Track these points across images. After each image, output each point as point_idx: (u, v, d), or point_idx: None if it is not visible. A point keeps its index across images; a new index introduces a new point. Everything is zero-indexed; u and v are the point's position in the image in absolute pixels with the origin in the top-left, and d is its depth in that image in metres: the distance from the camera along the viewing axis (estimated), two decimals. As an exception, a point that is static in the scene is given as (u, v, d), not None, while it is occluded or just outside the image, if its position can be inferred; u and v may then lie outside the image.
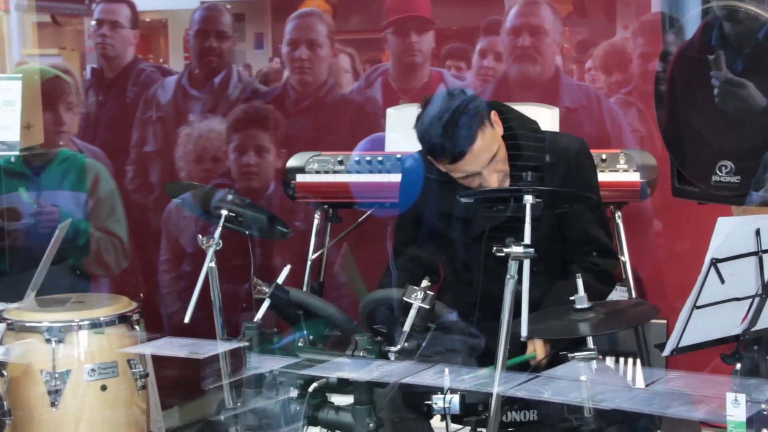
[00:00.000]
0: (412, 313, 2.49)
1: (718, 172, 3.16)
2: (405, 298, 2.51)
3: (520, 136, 3.00)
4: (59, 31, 5.51)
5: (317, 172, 4.10)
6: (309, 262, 4.24)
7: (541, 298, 2.94)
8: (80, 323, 3.29)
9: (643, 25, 4.56)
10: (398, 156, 3.95)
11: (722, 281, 2.21)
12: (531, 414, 2.77)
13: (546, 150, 3.00)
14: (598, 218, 3.09)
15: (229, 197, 2.94)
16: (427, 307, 2.49)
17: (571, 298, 2.58)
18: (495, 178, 2.91)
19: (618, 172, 3.82)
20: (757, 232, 2.22)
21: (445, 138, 2.80)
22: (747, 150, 3.07)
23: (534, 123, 3.11)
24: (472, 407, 2.57)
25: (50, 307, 3.42)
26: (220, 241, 2.90)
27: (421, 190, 3.12)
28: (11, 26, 5.16)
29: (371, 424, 2.40)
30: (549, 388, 2.35)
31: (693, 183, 3.33)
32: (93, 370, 3.28)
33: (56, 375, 3.22)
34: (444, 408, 2.49)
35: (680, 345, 2.26)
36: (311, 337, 2.78)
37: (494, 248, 2.39)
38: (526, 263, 2.36)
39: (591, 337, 2.54)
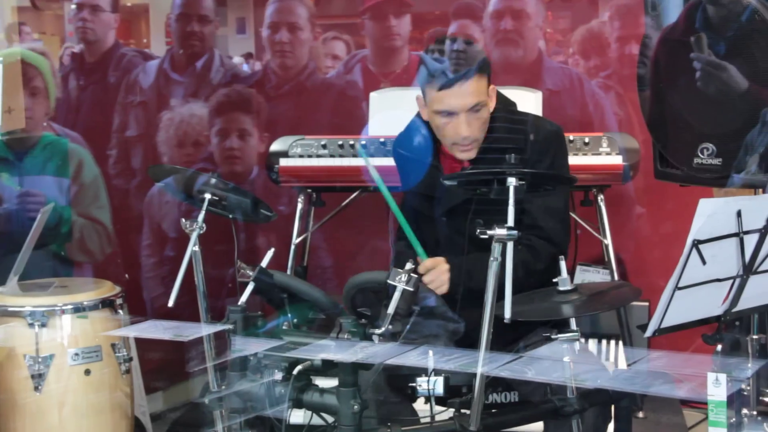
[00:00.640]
0: (396, 295, 2.49)
1: (700, 154, 3.18)
2: (389, 281, 2.51)
3: (499, 117, 3.01)
4: (39, 16, 5.47)
5: (300, 156, 4.10)
6: (293, 246, 4.25)
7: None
8: (63, 307, 3.27)
9: (619, 9, 4.59)
10: (381, 140, 3.95)
11: (704, 262, 2.22)
12: (512, 395, 2.78)
13: (523, 132, 3.01)
14: (552, 203, 2.98)
15: (213, 181, 2.94)
16: (411, 289, 2.50)
17: (554, 280, 2.58)
18: (467, 129, 2.92)
19: (601, 156, 3.84)
20: (738, 214, 2.24)
21: (453, 60, 2.89)
22: (728, 132, 3.09)
23: (513, 104, 3.11)
24: (456, 389, 2.59)
25: (33, 291, 3.40)
26: (204, 225, 2.89)
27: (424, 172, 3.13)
28: (-10, 10, 5.12)
29: (356, 406, 2.40)
30: (532, 368, 2.37)
31: (675, 165, 3.35)
32: (77, 354, 3.26)
33: (39, 359, 3.20)
34: (428, 390, 2.50)
35: (662, 326, 2.27)
36: (295, 320, 2.79)
37: (478, 231, 2.40)
38: (509, 245, 2.37)
39: (574, 319, 2.56)
